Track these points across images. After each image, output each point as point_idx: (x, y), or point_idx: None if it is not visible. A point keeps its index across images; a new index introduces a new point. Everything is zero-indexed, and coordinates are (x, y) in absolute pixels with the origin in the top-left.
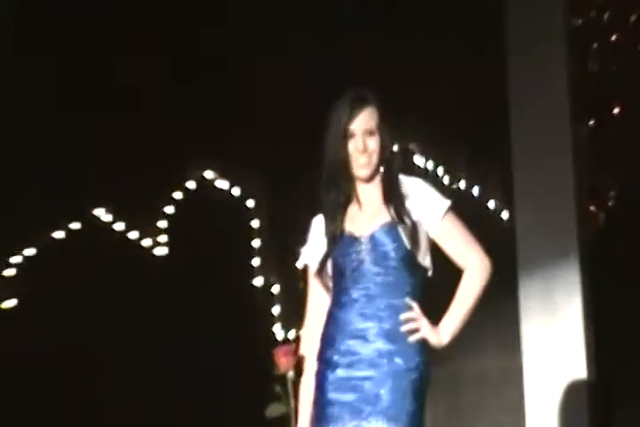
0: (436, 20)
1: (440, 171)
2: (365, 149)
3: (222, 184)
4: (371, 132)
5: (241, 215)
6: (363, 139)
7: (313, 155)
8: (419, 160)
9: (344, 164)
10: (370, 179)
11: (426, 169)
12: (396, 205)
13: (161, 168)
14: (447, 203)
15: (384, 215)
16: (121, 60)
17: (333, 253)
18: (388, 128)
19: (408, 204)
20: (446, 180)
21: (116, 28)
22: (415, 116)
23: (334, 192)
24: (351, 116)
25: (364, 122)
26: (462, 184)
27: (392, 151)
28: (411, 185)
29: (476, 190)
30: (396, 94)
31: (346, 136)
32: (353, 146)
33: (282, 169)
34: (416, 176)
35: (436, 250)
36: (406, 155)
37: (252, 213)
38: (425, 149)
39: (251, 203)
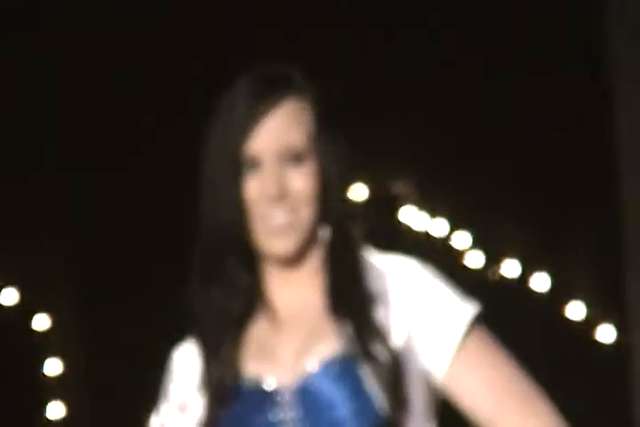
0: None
1: (458, 239)
2: (284, 193)
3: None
4: (296, 156)
5: (26, 355)
6: (277, 170)
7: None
8: (412, 216)
9: (238, 228)
10: (297, 259)
11: (427, 235)
12: (355, 318)
13: None
14: (471, 311)
15: (328, 340)
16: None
17: None
18: (336, 145)
19: (384, 314)
20: (473, 258)
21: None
22: (410, 131)
23: (220, 291)
24: (252, 122)
25: (279, 133)
26: (508, 268)
27: (344, 199)
28: (391, 272)
29: (539, 282)
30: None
31: (239, 166)
32: (257, 187)
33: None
34: (405, 252)
35: (450, 410)
36: (384, 205)
37: (45, 349)
38: (426, 195)
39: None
